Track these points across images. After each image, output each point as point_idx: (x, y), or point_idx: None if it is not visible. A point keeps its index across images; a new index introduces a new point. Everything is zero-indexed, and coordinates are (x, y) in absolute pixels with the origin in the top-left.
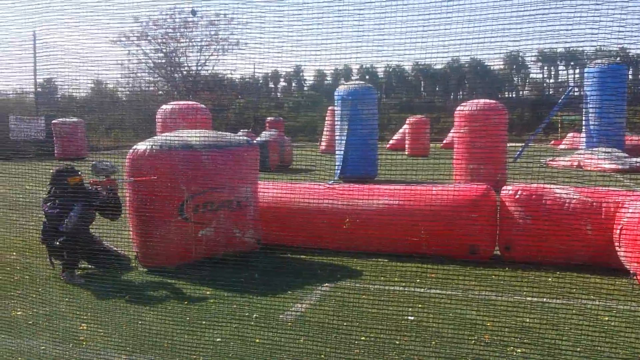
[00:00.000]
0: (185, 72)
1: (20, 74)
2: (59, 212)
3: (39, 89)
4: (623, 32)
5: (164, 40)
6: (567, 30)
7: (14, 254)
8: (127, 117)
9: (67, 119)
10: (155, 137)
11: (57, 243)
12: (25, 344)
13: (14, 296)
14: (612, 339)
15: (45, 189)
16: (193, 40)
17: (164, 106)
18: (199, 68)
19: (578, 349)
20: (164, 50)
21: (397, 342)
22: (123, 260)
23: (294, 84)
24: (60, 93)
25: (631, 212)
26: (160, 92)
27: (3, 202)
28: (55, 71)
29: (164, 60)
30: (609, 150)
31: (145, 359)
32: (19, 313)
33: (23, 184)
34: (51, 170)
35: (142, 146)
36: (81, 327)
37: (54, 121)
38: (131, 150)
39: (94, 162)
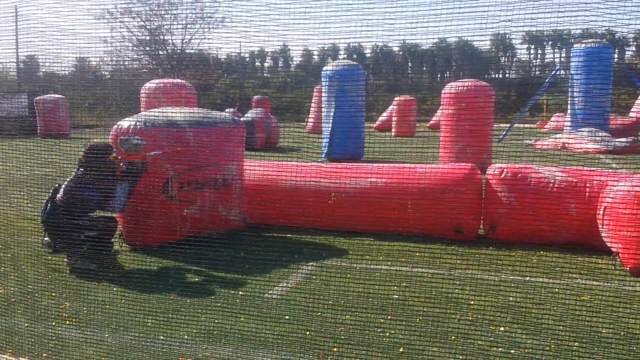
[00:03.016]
0: (170, 50)
1: (1, 50)
2: (101, 193)
3: (21, 65)
4: (610, 13)
5: (148, 17)
6: (556, 11)
7: None
8: (110, 94)
9: (50, 96)
10: (139, 114)
11: (83, 237)
12: (7, 322)
13: None
14: (594, 317)
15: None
16: (178, 16)
17: (148, 83)
18: (184, 45)
19: (561, 327)
20: (148, 27)
21: (382, 321)
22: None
23: (280, 63)
24: (42, 70)
25: (614, 193)
26: (144, 70)
27: None
28: (37, 47)
29: (148, 37)
30: (593, 131)
31: (129, 336)
32: (1, 291)
33: (4, 162)
34: (81, 150)
35: (125, 123)
36: (64, 305)
37: (36, 98)
38: (115, 127)
39: (123, 137)
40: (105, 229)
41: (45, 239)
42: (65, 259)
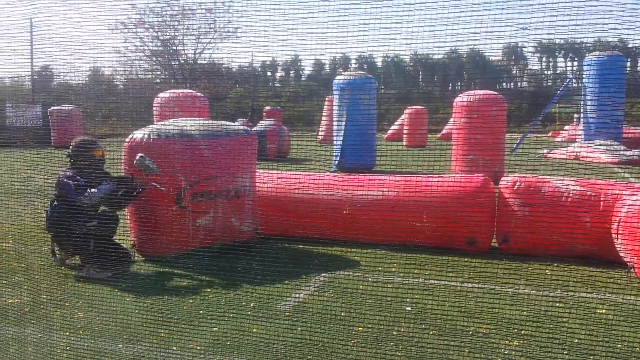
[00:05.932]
0: (182, 60)
1: (17, 61)
2: (82, 185)
3: (36, 76)
4: (622, 23)
5: (161, 28)
6: (569, 21)
7: (10, 241)
8: (124, 104)
9: (64, 107)
10: (153, 125)
11: (85, 229)
12: (20, 332)
13: (8, 284)
14: (609, 331)
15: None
16: (190, 27)
17: (161, 94)
18: (197, 56)
19: (575, 341)
20: (161, 38)
21: (395, 332)
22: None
23: (291, 73)
24: (56, 80)
25: (629, 205)
26: (157, 80)
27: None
28: (52, 58)
29: (161, 48)
30: (607, 142)
31: (142, 347)
32: (14, 301)
33: (20, 171)
34: (71, 143)
35: (139, 134)
36: (77, 316)
37: (50, 108)
38: (128, 138)
39: (141, 155)
40: (105, 219)
41: (57, 255)
42: (76, 272)
